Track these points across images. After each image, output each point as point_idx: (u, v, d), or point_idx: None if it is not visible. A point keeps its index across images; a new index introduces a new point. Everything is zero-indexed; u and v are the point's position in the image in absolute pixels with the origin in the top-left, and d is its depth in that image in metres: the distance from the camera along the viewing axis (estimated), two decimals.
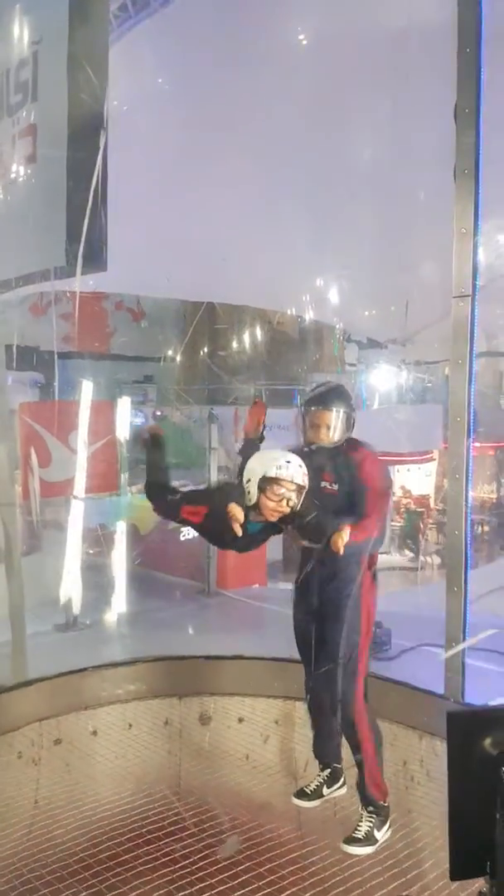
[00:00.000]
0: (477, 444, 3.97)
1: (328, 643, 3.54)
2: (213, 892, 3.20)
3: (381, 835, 3.47)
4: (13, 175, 4.84)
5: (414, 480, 22.11)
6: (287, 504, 3.26)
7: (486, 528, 20.21)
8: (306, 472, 3.29)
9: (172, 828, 3.71)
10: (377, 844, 3.45)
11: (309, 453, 3.53)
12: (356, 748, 3.54)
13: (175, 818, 3.78)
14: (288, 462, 3.26)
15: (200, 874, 3.30)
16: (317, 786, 3.79)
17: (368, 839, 3.45)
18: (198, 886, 3.23)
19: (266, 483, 3.24)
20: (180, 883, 3.26)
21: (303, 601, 3.68)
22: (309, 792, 3.76)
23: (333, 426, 3.53)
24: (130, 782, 4.12)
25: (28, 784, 3.94)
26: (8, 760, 3.89)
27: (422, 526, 21.04)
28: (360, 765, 3.54)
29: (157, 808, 3.88)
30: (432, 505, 21.87)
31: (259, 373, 17.88)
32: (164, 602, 6.75)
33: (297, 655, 4.49)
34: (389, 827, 3.52)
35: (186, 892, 3.20)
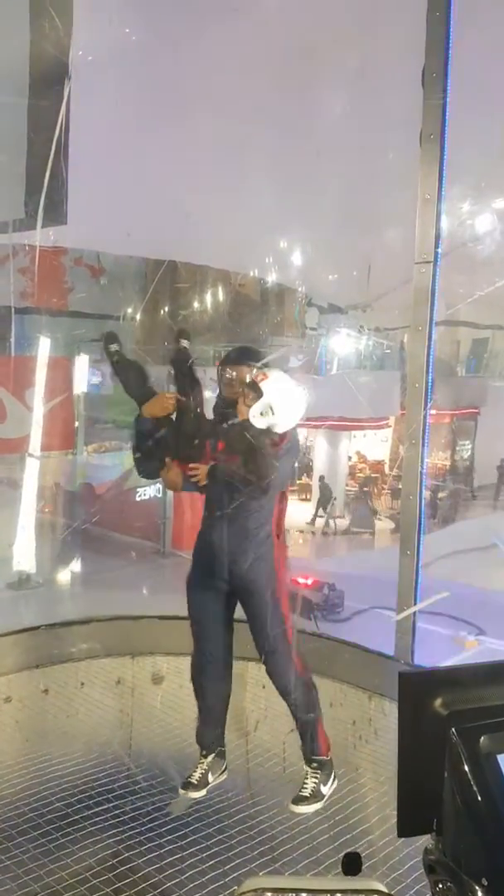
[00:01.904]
0: (434, 412, 4.00)
1: (255, 619, 3.47)
2: (161, 851, 3.24)
3: (328, 789, 3.52)
4: None
5: (369, 446, 22.36)
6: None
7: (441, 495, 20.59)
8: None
9: (122, 791, 3.73)
10: (325, 800, 3.50)
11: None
12: (310, 706, 3.57)
13: (125, 779, 3.80)
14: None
15: (150, 834, 3.34)
16: (202, 773, 3.60)
17: (316, 796, 3.49)
18: (147, 846, 3.26)
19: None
20: (129, 843, 3.29)
21: (207, 570, 3.53)
22: (195, 782, 3.56)
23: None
24: (81, 741, 4.13)
25: None
26: None
27: (376, 491, 21.34)
28: (310, 722, 3.55)
29: (107, 769, 3.89)
30: (387, 471, 22.17)
31: (219, 334, 17.76)
32: (120, 562, 6.73)
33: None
34: (335, 779, 3.56)
35: (135, 851, 3.23)
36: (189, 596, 3.62)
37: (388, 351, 21.48)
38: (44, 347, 5.30)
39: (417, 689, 1.43)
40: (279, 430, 3.28)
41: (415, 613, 3.94)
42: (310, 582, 5.47)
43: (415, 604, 3.85)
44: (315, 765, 3.54)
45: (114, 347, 3.57)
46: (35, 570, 5.63)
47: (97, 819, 3.47)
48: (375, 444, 22.53)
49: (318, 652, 4.15)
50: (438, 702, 1.41)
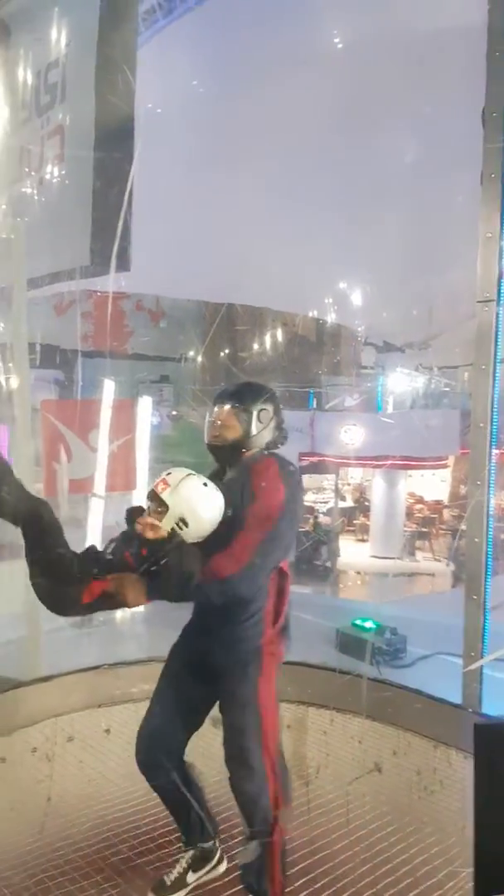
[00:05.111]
0: (496, 451, 3.94)
1: (228, 727, 2.97)
2: None
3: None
4: (42, 175, 4.89)
5: (427, 486, 22.07)
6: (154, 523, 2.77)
7: None
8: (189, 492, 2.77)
9: (164, 839, 3.66)
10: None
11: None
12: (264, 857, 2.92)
13: (168, 828, 3.74)
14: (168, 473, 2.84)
15: (213, 885, 3.27)
16: (179, 874, 3.15)
17: None
18: None
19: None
20: (192, 892, 3.23)
21: (183, 650, 3.14)
22: (169, 884, 3.09)
23: (229, 424, 2.95)
24: (143, 783, 4.09)
25: (42, 780, 3.94)
26: (22, 756, 3.90)
27: (434, 531, 20.99)
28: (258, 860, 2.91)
29: (146, 820, 3.82)
30: (445, 511, 21.80)
31: (276, 374, 17.90)
32: None
33: (309, 660, 4.49)
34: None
35: None
36: (163, 686, 3.16)
37: (448, 389, 21.29)
38: (108, 390, 5.44)
39: (494, 741, 1.39)
40: (194, 539, 2.75)
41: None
42: (373, 626, 5.39)
43: (483, 649, 3.75)
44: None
45: None
46: None
47: (159, 864, 3.42)
48: (434, 484, 22.22)
49: (381, 699, 4.08)
50: None
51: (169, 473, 2.83)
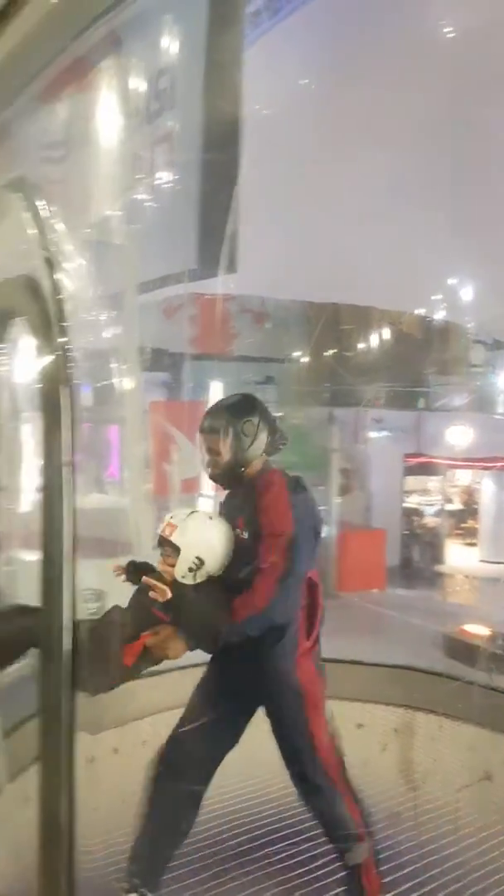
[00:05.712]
0: None
1: (283, 749, 2.92)
2: None
3: None
4: (152, 180, 5.01)
5: None
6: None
7: None
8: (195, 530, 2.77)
9: (287, 831, 3.67)
10: None
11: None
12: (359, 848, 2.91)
13: (289, 820, 3.74)
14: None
15: (316, 884, 3.24)
16: None
17: None
18: None
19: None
20: (297, 893, 3.22)
21: (218, 686, 3.02)
22: None
23: (217, 450, 2.88)
24: (251, 779, 4.10)
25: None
26: (133, 748, 3.99)
27: None
28: (355, 867, 2.91)
29: (271, 810, 3.85)
30: None
31: (382, 374, 17.67)
32: None
33: (417, 664, 4.41)
34: None
35: None
36: (204, 693, 3.08)
37: None
38: (215, 391, 5.53)
39: None
40: (213, 573, 2.77)
41: None
42: (487, 632, 5.22)
43: None
44: None
45: None
46: None
47: (265, 863, 3.42)
48: None
49: (492, 706, 3.97)
50: None
51: (172, 517, 2.84)
